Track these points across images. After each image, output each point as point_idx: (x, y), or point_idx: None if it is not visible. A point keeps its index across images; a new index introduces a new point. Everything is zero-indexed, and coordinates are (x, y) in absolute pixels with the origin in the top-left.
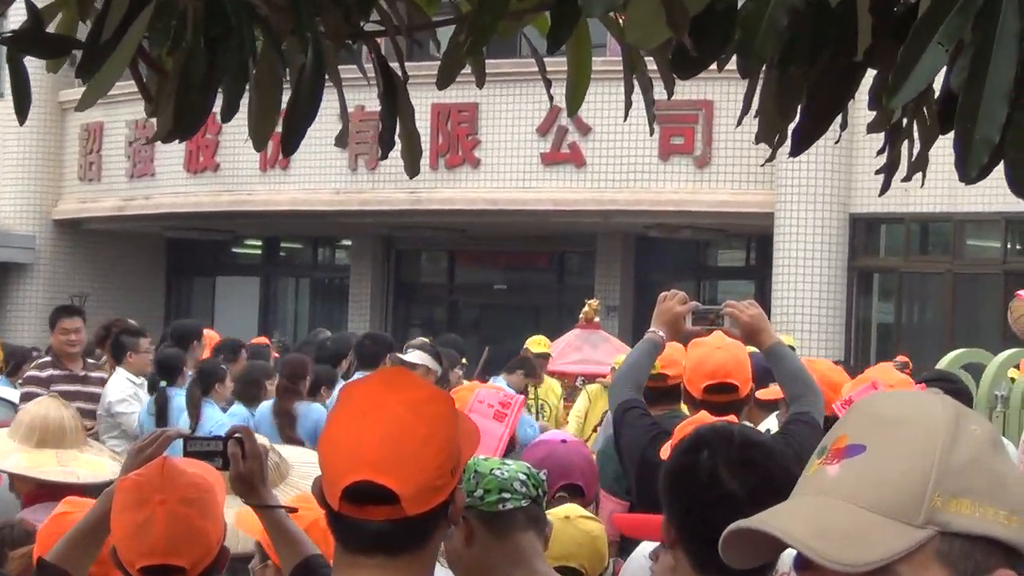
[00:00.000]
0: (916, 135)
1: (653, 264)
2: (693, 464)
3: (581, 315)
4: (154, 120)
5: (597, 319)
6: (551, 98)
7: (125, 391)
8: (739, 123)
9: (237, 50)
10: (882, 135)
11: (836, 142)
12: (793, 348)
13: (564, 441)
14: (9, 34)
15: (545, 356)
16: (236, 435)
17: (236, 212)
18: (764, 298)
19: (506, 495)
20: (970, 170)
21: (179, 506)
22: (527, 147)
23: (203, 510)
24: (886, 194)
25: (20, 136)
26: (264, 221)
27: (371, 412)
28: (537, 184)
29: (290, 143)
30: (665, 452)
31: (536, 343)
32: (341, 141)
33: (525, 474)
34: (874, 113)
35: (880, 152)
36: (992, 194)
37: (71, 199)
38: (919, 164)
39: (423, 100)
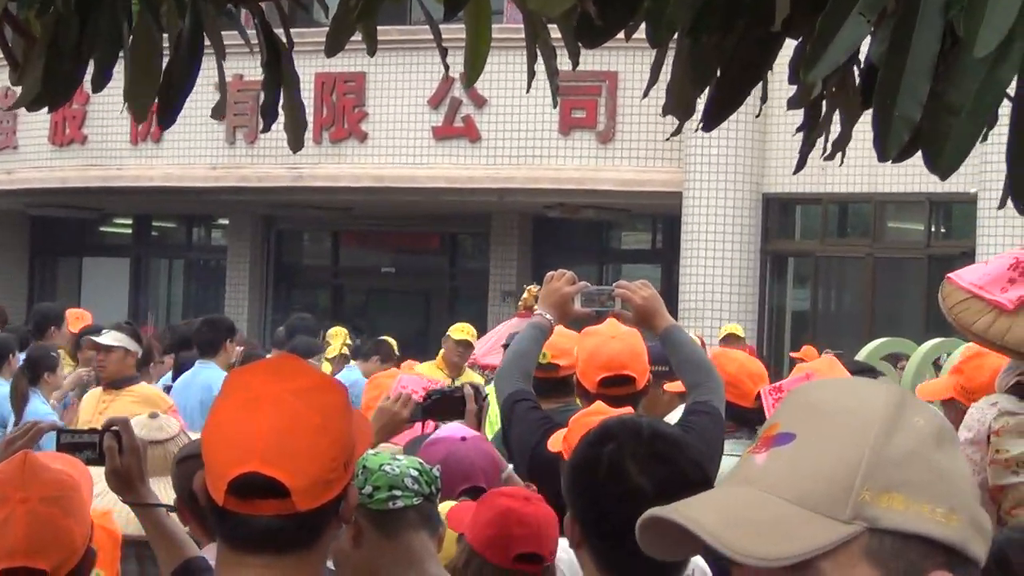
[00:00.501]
0: (837, 111)
1: (552, 246)
2: (598, 457)
3: (520, 303)
4: (18, 88)
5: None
6: (447, 68)
7: None
8: (645, 95)
9: (110, 16)
10: (801, 111)
11: (757, 116)
12: (742, 338)
13: (464, 439)
14: None
15: (466, 344)
16: (113, 428)
17: (105, 188)
18: (671, 283)
19: (397, 492)
20: (889, 149)
21: (41, 505)
22: (417, 120)
23: (67, 509)
24: (802, 173)
25: None
26: (135, 198)
27: (260, 401)
28: (428, 160)
29: (166, 116)
30: (555, 444)
31: (458, 330)
32: (218, 112)
33: (417, 470)
34: (791, 88)
35: (799, 129)
36: (915, 174)
37: None
38: (841, 142)
39: (307, 69)
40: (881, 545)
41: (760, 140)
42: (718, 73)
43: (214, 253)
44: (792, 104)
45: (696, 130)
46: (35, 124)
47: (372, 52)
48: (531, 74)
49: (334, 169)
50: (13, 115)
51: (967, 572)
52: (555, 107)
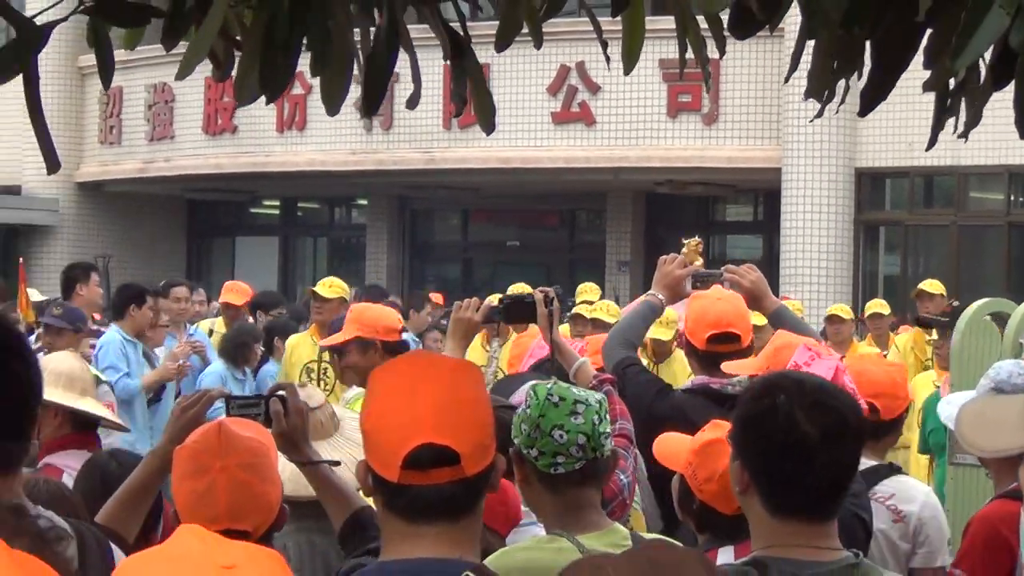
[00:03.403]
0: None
1: (663, 220)
2: (771, 408)
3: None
4: (174, 83)
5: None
6: (608, 59)
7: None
8: (786, 80)
9: (320, 10)
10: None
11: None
12: (846, 320)
13: None
14: (92, 3)
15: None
16: (279, 393)
17: (254, 173)
18: (772, 252)
19: (559, 459)
20: None
21: (239, 472)
22: (538, 106)
23: (262, 474)
24: (890, 149)
25: (43, 102)
26: (282, 182)
27: (419, 382)
28: (548, 143)
29: (372, 101)
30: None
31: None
32: (412, 103)
33: (586, 436)
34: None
35: (945, 110)
36: (995, 147)
37: (93, 162)
38: (972, 121)
39: (434, 61)
40: None
41: (852, 118)
42: (870, 61)
43: (355, 231)
44: (927, 87)
45: (852, 111)
46: (190, 115)
47: (538, 45)
48: (683, 63)
49: (463, 152)
50: (170, 108)
51: None
52: (707, 91)
